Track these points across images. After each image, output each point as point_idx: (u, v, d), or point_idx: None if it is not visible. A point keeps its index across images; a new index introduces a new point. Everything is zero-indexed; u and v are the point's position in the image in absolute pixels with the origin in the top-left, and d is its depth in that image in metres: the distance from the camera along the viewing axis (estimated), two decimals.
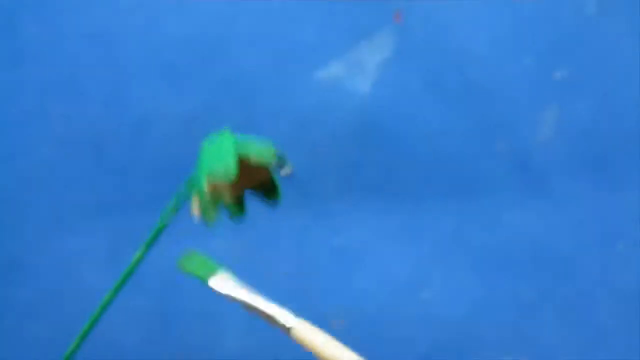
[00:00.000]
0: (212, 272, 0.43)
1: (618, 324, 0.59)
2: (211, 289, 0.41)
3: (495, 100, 0.63)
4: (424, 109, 0.63)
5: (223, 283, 0.43)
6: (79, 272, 0.59)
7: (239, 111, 0.61)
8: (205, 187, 0.41)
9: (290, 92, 0.62)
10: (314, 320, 0.58)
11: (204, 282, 0.43)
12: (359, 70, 0.63)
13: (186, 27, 0.63)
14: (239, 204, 0.44)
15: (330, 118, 0.62)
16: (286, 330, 0.41)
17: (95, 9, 0.63)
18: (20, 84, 0.62)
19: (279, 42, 0.63)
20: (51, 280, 0.59)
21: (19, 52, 0.62)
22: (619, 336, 0.59)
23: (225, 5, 0.64)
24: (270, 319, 0.41)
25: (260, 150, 0.42)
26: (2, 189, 0.60)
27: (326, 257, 0.56)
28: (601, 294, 0.60)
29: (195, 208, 0.43)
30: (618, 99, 0.63)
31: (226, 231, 0.56)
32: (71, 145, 0.61)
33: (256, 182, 0.44)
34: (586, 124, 0.63)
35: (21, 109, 0.62)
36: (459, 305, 0.58)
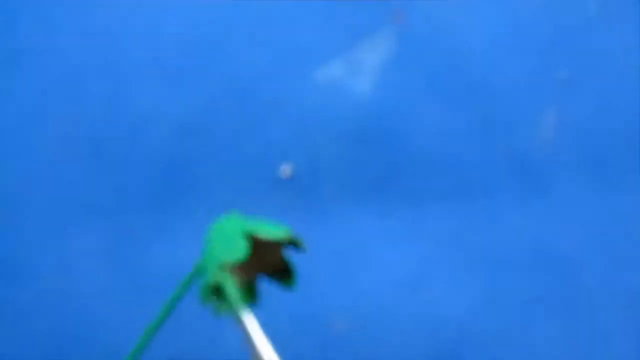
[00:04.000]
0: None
1: (619, 325, 0.59)
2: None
3: (495, 101, 0.63)
4: (424, 109, 0.63)
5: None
6: (78, 272, 0.59)
7: (239, 111, 0.61)
8: (214, 274, 0.40)
9: (290, 92, 0.62)
10: (314, 321, 0.58)
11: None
12: (359, 70, 0.63)
13: (185, 27, 0.63)
14: (250, 290, 0.41)
15: (330, 118, 0.62)
16: None
17: (95, 9, 0.63)
18: (19, 84, 0.62)
19: (278, 42, 0.63)
20: (50, 280, 0.59)
21: (17, 52, 0.62)
22: (620, 336, 0.59)
23: (224, 5, 0.64)
24: None
25: (271, 230, 0.40)
26: (1, 189, 0.60)
27: (326, 257, 0.56)
28: (602, 294, 0.60)
29: (204, 296, 0.41)
30: (619, 100, 0.63)
31: None
32: (70, 145, 0.61)
33: (269, 266, 0.42)
34: (587, 125, 0.63)
35: (20, 109, 0.62)
36: (460, 306, 0.58)
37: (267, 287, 0.47)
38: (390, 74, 0.63)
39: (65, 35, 0.63)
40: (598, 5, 0.64)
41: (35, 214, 0.60)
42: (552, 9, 0.64)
